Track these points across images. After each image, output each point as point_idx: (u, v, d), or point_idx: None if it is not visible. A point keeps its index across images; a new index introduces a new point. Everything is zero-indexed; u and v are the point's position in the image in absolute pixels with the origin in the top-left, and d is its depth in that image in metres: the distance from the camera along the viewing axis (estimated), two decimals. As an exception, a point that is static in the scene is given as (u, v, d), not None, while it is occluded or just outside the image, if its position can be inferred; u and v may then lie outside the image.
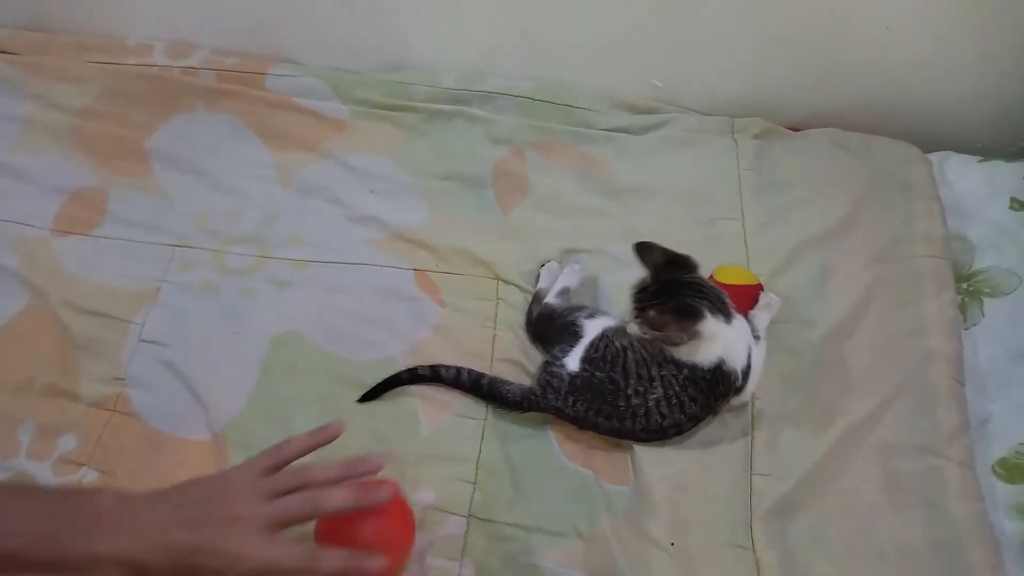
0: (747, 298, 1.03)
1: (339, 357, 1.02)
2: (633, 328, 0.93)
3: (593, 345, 0.95)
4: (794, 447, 0.96)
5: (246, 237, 1.12)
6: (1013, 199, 1.15)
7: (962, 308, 1.07)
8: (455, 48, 1.30)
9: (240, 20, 1.30)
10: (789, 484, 0.93)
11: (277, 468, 0.73)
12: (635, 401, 0.92)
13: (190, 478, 0.70)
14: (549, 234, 1.14)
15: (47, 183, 1.15)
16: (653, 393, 0.92)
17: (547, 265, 1.09)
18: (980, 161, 1.22)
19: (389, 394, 1.00)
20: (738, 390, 0.94)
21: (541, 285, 1.07)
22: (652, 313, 0.90)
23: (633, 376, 0.93)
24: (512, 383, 0.98)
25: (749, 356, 0.94)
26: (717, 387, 0.92)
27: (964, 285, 1.10)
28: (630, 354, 0.94)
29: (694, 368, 0.92)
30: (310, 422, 0.96)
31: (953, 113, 1.28)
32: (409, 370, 1.00)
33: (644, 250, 0.94)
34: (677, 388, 0.92)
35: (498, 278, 1.10)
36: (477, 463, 0.96)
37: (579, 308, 1.01)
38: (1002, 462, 0.96)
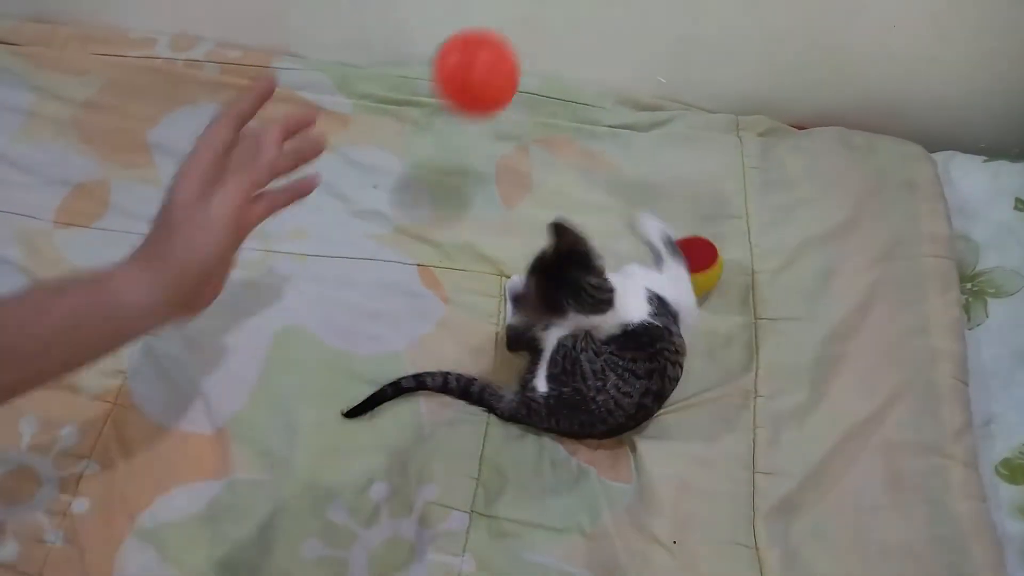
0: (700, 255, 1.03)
1: (342, 352, 1.02)
2: (518, 286, 0.95)
3: (552, 360, 0.94)
4: (797, 445, 0.96)
5: (249, 231, 1.12)
6: (1018, 199, 1.15)
7: (966, 308, 1.07)
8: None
9: (244, 13, 1.30)
10: (792, 482, 0.93)
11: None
12: (600, 398, 0.91)
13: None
14: (553, 231, 1.13)
15: (50, 175, 1.15)
16: (609, 381, 0.91)
17: (509, 284, 1.07)
18: (985, 161, 1.21)
19: (391, 390, 1.00)
20: (674, 319, 0.93)
21: (511, 304, 1.05)
22: (530, 288, 0.89)
23: (589, 376, 0.92)
24: (503, 397, 0.97)
25: (653, 298, 0.92)
26: (642, 339, 0.90)
27: (968, 285, 1.10)
28: (583, 356, 0.93)
29: (613, 338, 0.91)
30: (313, 416, 0.97)
31: (958, 113, 1.28)
32: (392, 384, 0.98)
33: (560, 231, 0.89)
34: (620, 363, 0.91)
35: (502, 274, 1.10)
36: (480, 458, 0.95)
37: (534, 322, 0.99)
38: (1005, 463, 0.96)
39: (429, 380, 0.98)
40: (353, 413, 0.98)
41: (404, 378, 0.98)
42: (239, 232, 0.69)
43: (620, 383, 0.91)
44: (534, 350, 0.97)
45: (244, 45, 1.30)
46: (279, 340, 1.03)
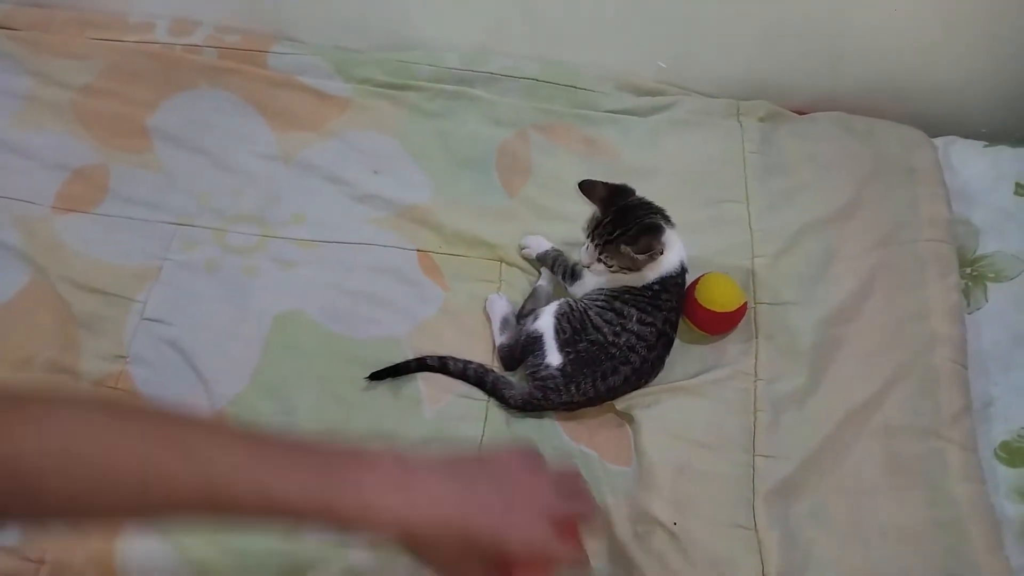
0: (734, 321, 1.02)
1: (341, 336, 1.02)
2: (598, 267, 0.97)
3: (558, 332, 0.96)
4: (797, 428, 0.96)
5: (248, 216, 1.12)
6: (1018, 184, 1.15)
7: (966, 292, 1.08)
8: (458, 26, 1.29)
9: (242, -3, 1.29)
10: (791, 465, 0.93)
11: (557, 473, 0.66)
12: (622, 339, 0.94)
13: (471, 454, 0.64)
14: (552, 216, 1.13)
15: (48, 160, 1.14)
16: (632, 317, 0.95)
17: (489, 302, 1.06)
18: (985, 146, 1.21)
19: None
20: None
21: (498, 323, 1.04)
22: (624, 247, 0.94)
23: (605, 324, 0.95)
24: (514, 386, 0.98)
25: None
26: (677, 280, 0.98)
27: (968, 269, 1.10)
28: (590, 311, 0.96)
29: (659, 281, 0.97)
30: (312, 401, 0.97)
31: (959, 98, 1.28)
32: (418, 360, 1.00)
33: (588, 188, 0.98)
34: (645, 297, 0.96)
35: (501, 260, 1.10)
36: (480, 444, 0.96)
37: (521, 322, 1.02)
38: (1004, 445, 0.96)
39: (451, 364, 1.00)
40: (375, 376, 0.99)
41: (429, 357, 1.00)
42: None
43: (643, 316, 0.95)
44: (535, 342, 0.98)
45: (242, 29, 1.29)
46: (278, 324, 1.03)
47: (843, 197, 1.14)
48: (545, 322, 0.97)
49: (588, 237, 0.97)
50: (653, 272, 0.96)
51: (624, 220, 0.95)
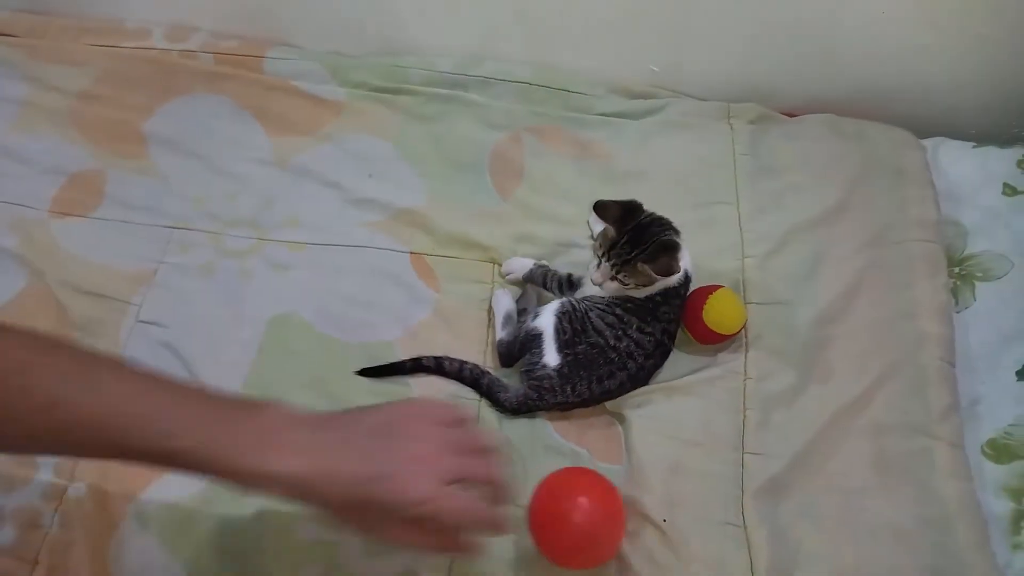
0: (734, 337, 1.03)
1: (335, 339, 1.03)
2: (611, 286, 0.97)
3: (559, 331, 0.97)
4: (786, 427, 0.97)
5: (243, 219, 1.13)
6: (1006, 184, 1.16)
7: (954, 292, 1.08)
8: (452, 31, 1.30)
9: (238, 3, 1.30)
10: (780, 463, 0.94)
11: (458, 424, 0.67)
12: (623, 344, 0.95)
13: (365, 406, 0.66)
14: (545, 218, 1.14)
15: (45, 165, 1.16)
16: (632, 326, 0.96)
17: (495, 297, 1.06)
18: (974, 147, 1.22)
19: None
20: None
21: (501, 318, 1.04)
22: (641, 265, 0.94)
23: (606, 328, 0.96)
24: (509, 388, 0.99)
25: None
26: (680, 290, 1.00)
27: (956, 269, 1.11)
28: (592, 313, 0.97)
29: (661, 293, 0.98)
30: (305, 403, 0.95)
31: (947, 99, 1.28)
32: (413, 360, 1.00)
33: (601, 208, 0.97)
34: (648, 306, 0.97)
35: (494, 262, 1.11)
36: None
37: (522, 319, 1.02)
38: (991, 443, 0.97)
39: (447, 364, 1.00)
40: (366, 373, 1.00)
41: (425, 357, 1.00)
42: None
43: (643, 325, 0.96)
44: (534, 340, 0.98)
45: (238, 35, 1.31)
46: (273, 327, 1.04)
47: (832, 198, 1.14)
48: (545, 320, 0.98)
49: (602, 256, 0.97)
50: (658, 285, 0.97)
51: (640, 239, 0.95)
